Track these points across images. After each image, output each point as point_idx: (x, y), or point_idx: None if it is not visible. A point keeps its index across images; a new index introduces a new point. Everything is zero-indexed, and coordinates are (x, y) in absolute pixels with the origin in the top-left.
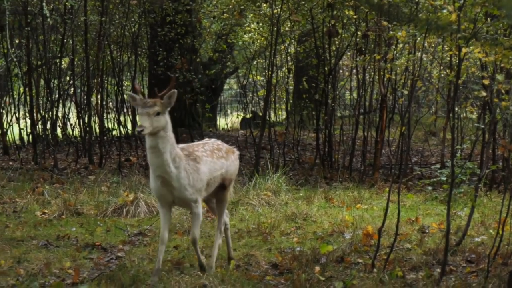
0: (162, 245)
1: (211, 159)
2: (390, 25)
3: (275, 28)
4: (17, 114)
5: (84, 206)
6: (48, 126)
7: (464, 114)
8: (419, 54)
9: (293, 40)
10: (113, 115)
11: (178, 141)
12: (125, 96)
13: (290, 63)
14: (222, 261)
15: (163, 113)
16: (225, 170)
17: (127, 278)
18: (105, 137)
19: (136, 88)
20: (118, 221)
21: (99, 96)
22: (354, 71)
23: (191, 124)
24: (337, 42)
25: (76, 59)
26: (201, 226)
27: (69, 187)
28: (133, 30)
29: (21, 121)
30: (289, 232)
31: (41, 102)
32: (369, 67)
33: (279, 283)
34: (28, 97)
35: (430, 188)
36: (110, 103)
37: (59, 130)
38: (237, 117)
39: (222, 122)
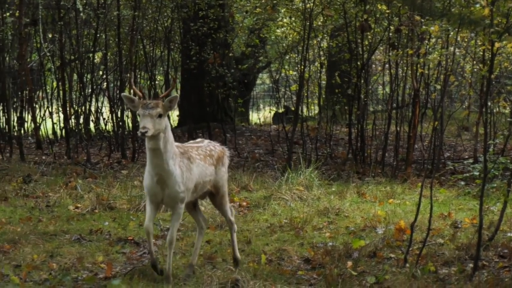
0: (149, 235)
1: (203, 163)
2: (423, 20)
3: (308, 23)
4: (50, 109)
5: (116, 201)
6: (81, 120)
7: (497, 109)
8: (452, 48)
9: (325, 35)
10: None
11: (211, 136)
12: (158, 90)
13: (322, 58)
14: (254, 256)
15: (164, 116)
16: (214, 178)
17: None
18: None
19: (134, 89)
20: None
21: (131, 91)
22: (387, 65)
23: (224, 118)
24: (369, 37)
25: (109, 54)
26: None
27: (102, 182)
28: (165, 24)
29: (54, 115)
30: (321, 227)
31: (74, 96)
32: (401, 62)
33: (312, 277)
34: (61, 92)
35: (462, 183)
36: None
37: (92, 125)
38: (270, 112)
39: (254, 117)
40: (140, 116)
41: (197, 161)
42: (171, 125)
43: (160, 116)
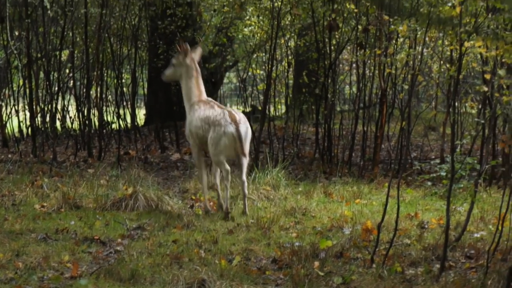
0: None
1: None
2: (391, 19)
3: (276, 22)
4: (16, 107)
5: (83, 200)
6: (48, 118)
7: (464, 109)
8: (419, 48)
9: (293, 34)
10: (113, 108)
11: (178, 135)
12: (124, 89)
13: (290, 57)
14: (221, 256)
15: None
16: None
17: (126, 272)
18: (104, 130)
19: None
20: (117, 214)
21: (98, 89)
22: (354, 65)
23: None
24: (337, 36)
25: (76, 52)
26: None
27: (68, 180)
28: (133, 23)
29: (21, 113)
30: (288, 227)
31: (40, 94)
32: (369, 62)
33: (278, 278)
34: (27, 90)
35: (429, 183)
36: (110, 96)
37: (58, 123)
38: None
39: None
40: None
41: None
42: (138, 123)
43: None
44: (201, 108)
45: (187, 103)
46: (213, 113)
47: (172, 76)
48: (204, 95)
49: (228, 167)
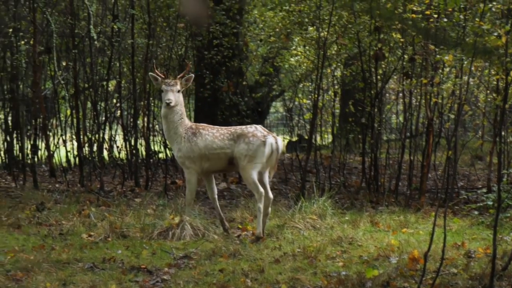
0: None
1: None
2: (437, 49)
3: (322, 52)
4: (64, 137)
5: (130, 229)
6: (95, 148)
7: (511, 138)
8: (465, 78)
9: (339, 64)
10: (160, 138)
11: None
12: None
13: (336, 87)
14: (267, 285)
15: (181, 91)
16: None
17: None
18: (151, 160)
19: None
20: (164, 244)
21: (145, 119)
22: (401, 94)
23: None
24: (383, 66)
25: (123, 82)
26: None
27: (115, 210)
28: (179, 53)
29: (68, 143)
30: (334, 256)
31: (87, 124)
32: (415, 91)
33: None
34: (75, 120)
35: (476, 212)
36: (157, 126)
37: (105, 153)
38: (283, 140)
39: None
40: (164, 91)
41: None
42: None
43: (178, 91)
44: (207, 129)
45: (182, 128)
46: (229, 129)
47: (178, 102)
48: None
49: (262, 189)
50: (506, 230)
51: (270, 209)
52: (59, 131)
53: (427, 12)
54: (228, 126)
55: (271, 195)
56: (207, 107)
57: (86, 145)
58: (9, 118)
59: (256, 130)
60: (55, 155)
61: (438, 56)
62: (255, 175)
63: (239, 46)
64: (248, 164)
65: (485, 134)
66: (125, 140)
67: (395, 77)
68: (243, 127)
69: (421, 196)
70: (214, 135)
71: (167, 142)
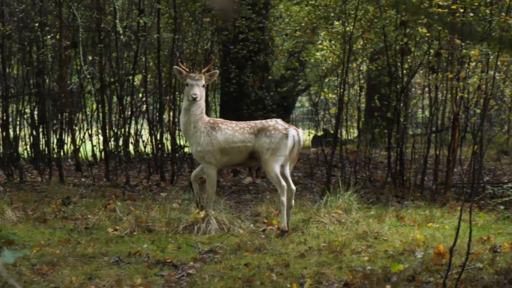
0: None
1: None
2: (463, 44)
3: (348, 46)
4: (89, 131)
5: (155, 223)
6: (121, 143)
7: None
8: (492, 72)
9: (365, 58)
10: None
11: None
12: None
13: (362, 81)
14: (292, 279)
15: (205, 86)
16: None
17: None
18: (177, 154)
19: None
20: (189, 238)
21: (171, 113)
22: (427, 89)
23: None
24: (409, 60)
25: (148, 76)
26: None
27: (141, 204)
28: (205, 47)
29: (94, 137)
30: (360, 250)
31: (113, 119)
32: (441, 86)
33: None
34: (100, 114)
35: (502, 207)
36: None
37: (131, 147)
38: (309, 135)
39: None
40: (189, 85)
41: None
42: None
43: (203, 86)
44: (226, 123)
45: (201, 122)
46: (248, 123)
47: (202, 96)
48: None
49: (284, 183)
50: None
51: (293, 201)
52: (85, 125)
53: (453, 7)
54: (244, 121)
55: (293, 187)
56: (232, 101)
57: (112, 139)
58: (35, 112)
59: (276, 123)
60: (81, 149)
61: (464, 50)
62: (277, 169)
63: (265, 41)
64: (271, 157)
65: (511, 129)
66: (150, 134)
67: (421, 71)
68: (263, 121)
69: (447, 191)
70: (234, 129)
71: (184, 136)
